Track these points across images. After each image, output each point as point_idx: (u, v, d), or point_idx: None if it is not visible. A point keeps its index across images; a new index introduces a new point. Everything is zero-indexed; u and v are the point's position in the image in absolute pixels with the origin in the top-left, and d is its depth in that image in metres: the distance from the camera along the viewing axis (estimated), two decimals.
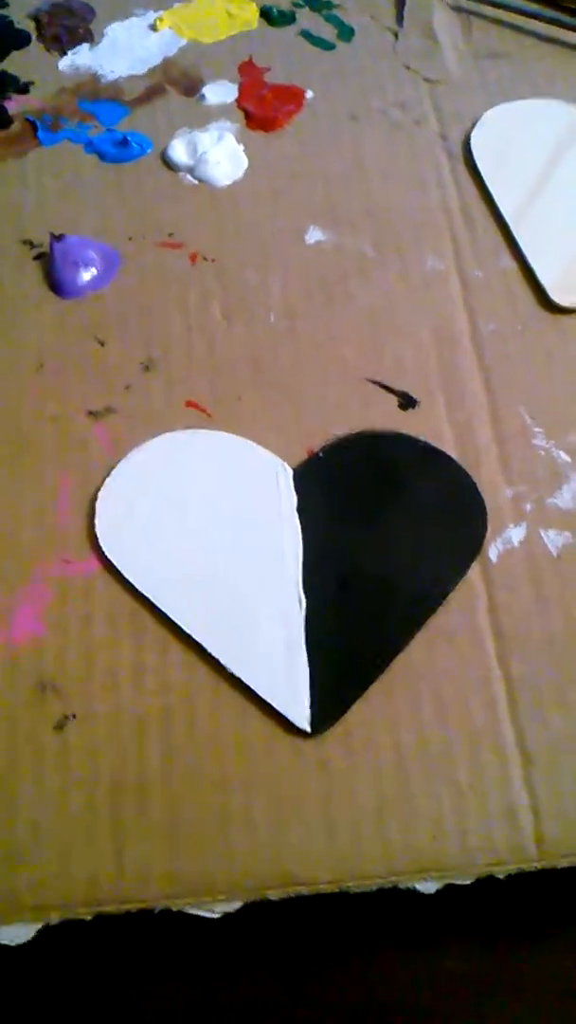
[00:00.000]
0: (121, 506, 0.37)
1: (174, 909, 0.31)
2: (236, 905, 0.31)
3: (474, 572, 0.36)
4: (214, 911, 0.31)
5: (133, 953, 0.33)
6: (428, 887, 0.32)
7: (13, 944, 0.31)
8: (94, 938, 0.31)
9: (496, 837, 0.32)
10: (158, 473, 0.38)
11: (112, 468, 0.38)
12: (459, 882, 0.31)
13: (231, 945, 0.33)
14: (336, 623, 0.35)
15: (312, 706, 0.33)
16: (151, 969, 0.33)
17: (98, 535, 0.37)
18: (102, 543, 0.36)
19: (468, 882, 0.32)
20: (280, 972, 0.34)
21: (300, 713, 0.33)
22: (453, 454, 0.39)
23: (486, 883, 0.31)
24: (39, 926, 0.31)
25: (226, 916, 0.31)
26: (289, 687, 0.34)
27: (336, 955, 0.34)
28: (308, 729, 0.33)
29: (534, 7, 0.53)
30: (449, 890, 0.31)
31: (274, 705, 0.33)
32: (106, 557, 0.36)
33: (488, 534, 0.37)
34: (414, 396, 0.40)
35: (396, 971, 0.34)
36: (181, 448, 0.39)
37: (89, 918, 0.31)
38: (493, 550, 0.37)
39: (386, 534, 0.37)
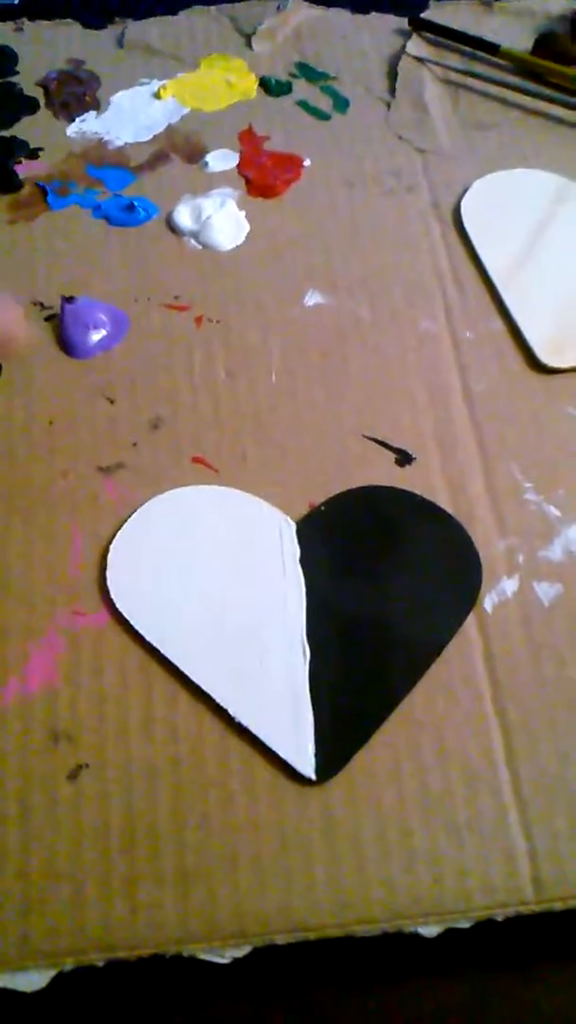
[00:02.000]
0: (131, 559, 0.39)
1: (185, 955, 0.32)
2: (245, 950, 0.32)
3: (470, 622, 0.38)
4: (223, 956, 0.32)
5: (141, 997, 0.33)
6: (430, 931, 0.33)
7: (29, 991, 0.31)
8: (106, 983, 0.32)
9: (494, 879, 0.33)
10: (166, 527, 0.40)
11: (122, 522, 0.40)
12: (458, 926, 0.33)
13: (241, 984, 0.33)
14: (339, 673, 0.36)
15: (317, 755, 0.35)
16: (161, 1013, 0.34)
17: (109, 587, 0.38)
18: (113, 595, 0.38)
19: (467, 926, 0.33)
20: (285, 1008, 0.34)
21: (305, 761, 0.34)
22: (448, 508, 0.40)
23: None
24: (53, 973, 0.32)
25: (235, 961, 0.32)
26: (294, 736, 0.35)
27: (338, 990, 0.35)
28: (313, 777, 0.34)
29: (519, 81, 0.56)
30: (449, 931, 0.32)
31: (280, 754, 0.35)
32: (116, 609, 0.38)
33: (483, 585, 0.39)
34: (410, 453, 0.42)
35: (394, 1006, 0.35)
36: (188, 503, 0.40)
37: (101, 964, 0.32)
38: (488, 601, 0.38)
39: (386, 586, 0.38)
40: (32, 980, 0.31)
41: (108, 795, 0.34)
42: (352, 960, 0.34)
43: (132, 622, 0.37)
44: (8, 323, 0.32)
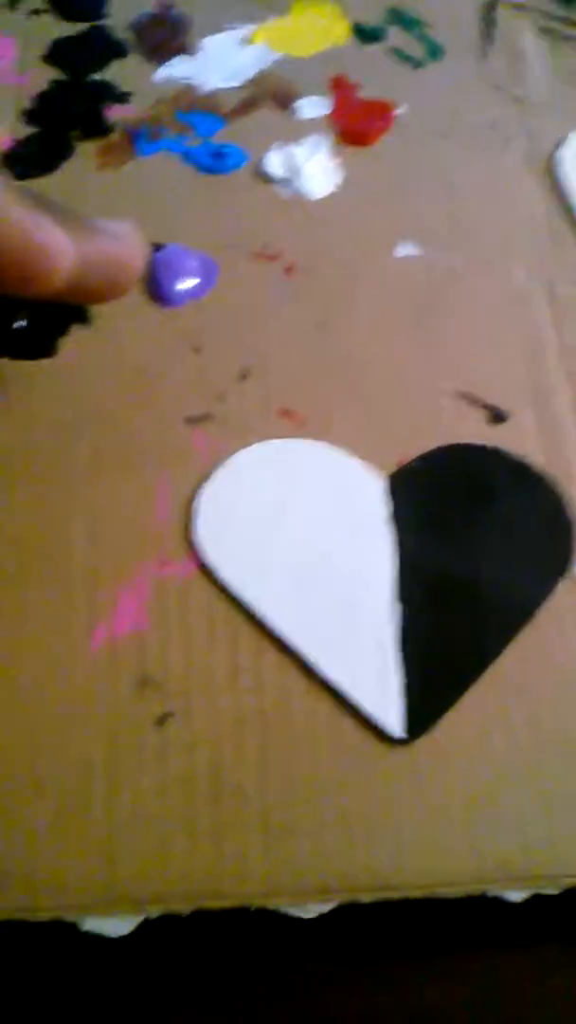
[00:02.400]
0: (218, 510, 0.38)
1: (270, 907, 0.32)
2: (330, 906, 0.32)
3: (564, 587, 0.37)
4: (307, 911, 0.32)
5: (225, 948, 0.34)
6: (515, 895, 0.32)
7: (114, 936, 0.32)
8: (191, 932, 0.32)
9: None
10: (254, 479, 0.39)
11: (209, 473, 0.39)
12: (546, 891, 0.32)
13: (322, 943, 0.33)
14: (429, 632, 0.36)
15: (405, 714, 0.34)
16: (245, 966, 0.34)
17: (196, 538, 0.38)
18: (200, 545, 0.37)
19: (556, 892, 0.32)
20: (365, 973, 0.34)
21: (393, 720, 0.34)
22: (542, 468, 0.39)
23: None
24: (139, 919, 0.32)
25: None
26: (382, 694, 0.34)
27: (415, 957, 0.34)
28: (401, 736, 0.34)
29: None
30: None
31: (367, 711, 0.34)
32: (203, 559, 0.37)
33: None
34: (504, 410, 0.41)
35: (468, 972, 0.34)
36: (277, 456, 0.40)
37: (187, 912, 0.32)
38: None
39: (477, 546, 0.38)
40: (118, 925, 0.32)
41: (194, 744, 0.34)
42: (430, 925, 0.33)
43: (219, 573, 0.37)
44: (131, 251, 0.32)
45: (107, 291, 0.32)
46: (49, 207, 0.29)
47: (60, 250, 0.28)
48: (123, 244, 0.32)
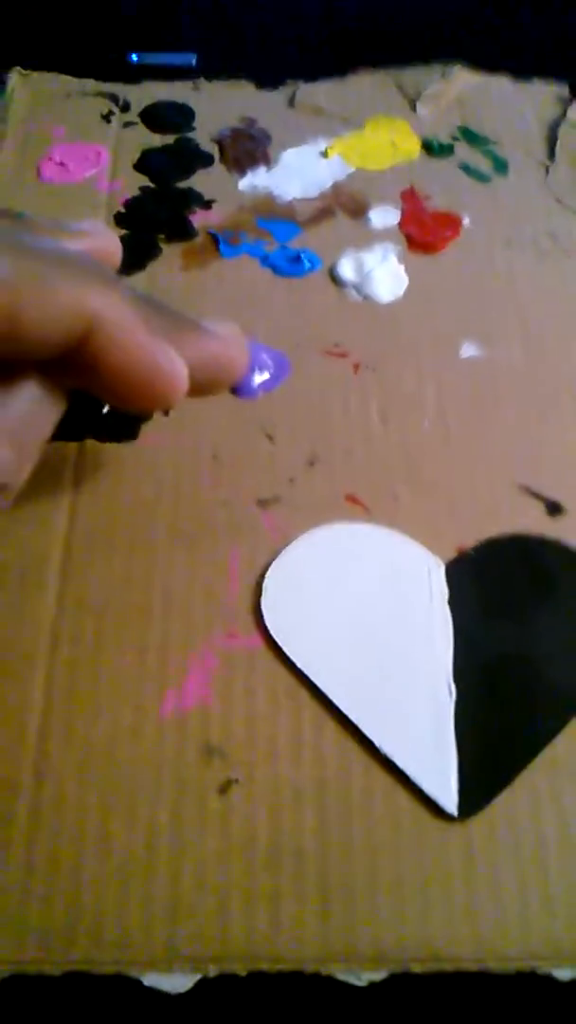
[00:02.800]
0: (284, 588, 0.40)
1: (324, 973, 0.33)
2: (382, 974, 0.33)
3: None
4: (360, 979, 0.33)
5: (279, 1011, 0.34)
6: (563, 974, 0.33)
7: (173, 993, 0.33)
8: (248, 993, 0.33)
9: None
10: (319, 560, 0.41)
11: (277, 553, 0.41)
12: None
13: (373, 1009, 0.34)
14: (485, 713, 0.37)
15: (459, 792, 0.35)
16: None
17: (263, 613, 0.40)
18: (267, 621, 0.39)
19: None
20: None
21: (448, 798, 0.35)
22: None
23: None
24: (197, 977, 0.33)
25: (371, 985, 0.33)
26: (438, 772, 0.36)
27: None
28: (455, 814, 0.35)
29: None
30: None
31: (423, 788, 0.35)
32: (269, 634, 0.39)
33: None
34: (562, 504, 0.43)
35: None
36: (341, 538, 0.42)
37: (244, 974, 0.33)
38: None
39: (533, 633, 0.39)
40: (177, 982, 0.33)
41: (256, 811, 0.35)
42: (481, 999, 0.34)
43: (283, 647, 0.39)
44: (236, 351, 0.34)
45: (211, 388, 0.34)
46: (160, 310, 0.31)
47: (180, 375, 0.30)
48: (229, 345, 0.34)
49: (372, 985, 0.33)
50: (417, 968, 0.33)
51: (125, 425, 0.45)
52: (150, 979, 0.33)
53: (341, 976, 0.33)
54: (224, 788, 0.36)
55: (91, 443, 0.45)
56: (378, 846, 0.35)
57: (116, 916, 0.34)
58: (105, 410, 0.46)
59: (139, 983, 0.33)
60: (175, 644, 0.39)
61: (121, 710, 0.38)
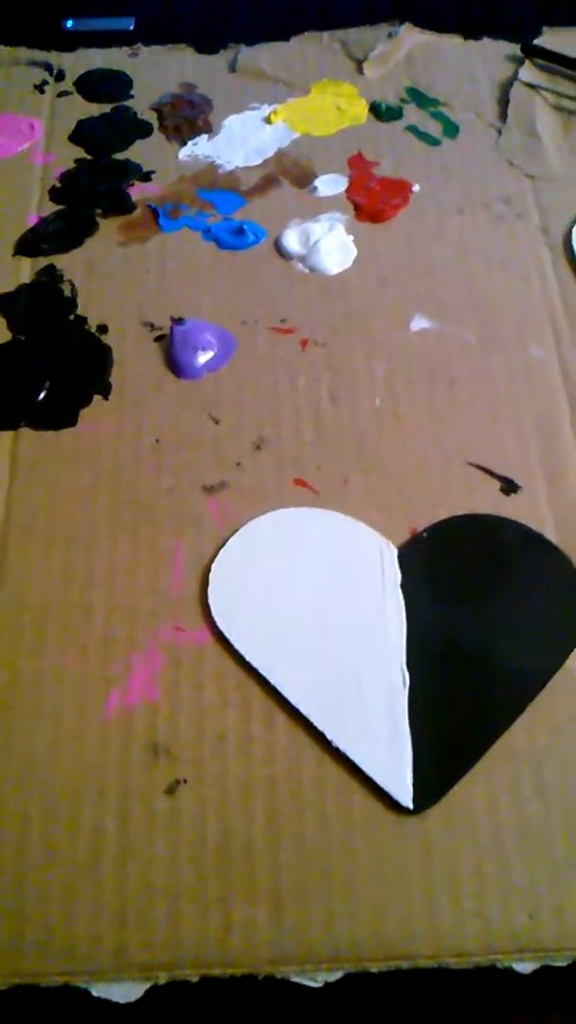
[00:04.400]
0: (232, 578, 0.39)
1: (278, 976, 0.32)
2: (338, 975, 0.32)
3: (573, 659, 0.37)
4: (316, 980, 0.32)
5: (232, 1016, 0.34)
6: (524, 967, 0.32)
7: (122, 1002, 0.32)
8: (199, 999, 0.32)
9: None
10: (268, 548, 0.40)
11: (224, 541, 0.40)
12: (555, 964, 0.32)
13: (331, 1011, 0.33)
14: (439, 702, 0.36)
15: (414, 784, 0.34)
16: None
17: (210, 605, 0.38)
18: (214, 613, 0.38)
19: (564, 964, 0.32)
20: None
21: (403, 790, 0.34)
22: (553, 539, 0.40)
23: None
24: (147, 985, 0.32)
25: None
26: (392, 764, 0.35)
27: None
28: (411, 806, 0.34)
29: None
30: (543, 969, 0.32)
31: (377, 781, 0.34)
32: (217, 626, 0.38)
33: None
34: (516, 481, 0.42)
35: None
36: (290, 524, 0.41)
37: (195, 980, 0.32)
38: None
39: (488, 616, 0.38)
40: (127, 991, 0.32)
41: (205, 812, 0.34)
42: (442, 994, 0.33)
43: (232, 641, 0.38)
44: None
45: None
46: None
47: None
48: None
49: (328, 985, 0.32)
50: (374, 967, 0.32)
51: (62, 410, 0.44)
52: (99, 989, 0.32)
53: (296, 978, 0.32)
54: (172, 789, 0.35)
55: (26, 431, 0.43)
56: (331, 843, 0.34)
57: (63, 926, 0.32)
58: (42, 396, 0.44)
59: (88, 994, 0.32)
60: (119, 641, 0.38)
61: (63, 713, 0.36)
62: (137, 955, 0.32)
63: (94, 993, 0.32)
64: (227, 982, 0.32)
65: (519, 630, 0.38)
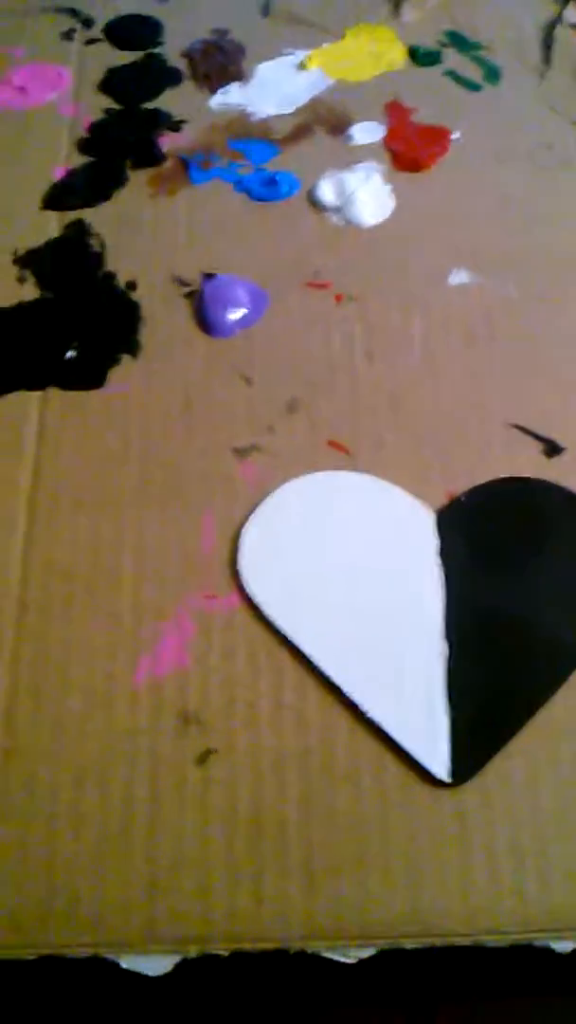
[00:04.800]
0: (264, 543, 0.38)
1: (309, 952, 0.31)
2: (371, 951, 0.31)
3: None
4: (348, 956, 0.31)
5: (263, 990, 0.33)
6: (564, 946, 0.31)
7: (152, 975, 0.31)
8: (230, 973, 0.32)
9: None
10: (301, 512, 0.39)
11: (255, 505, 0.39)
12: None
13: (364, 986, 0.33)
14: (477, 672, 0.35)
15: (451, 757, 0.33)
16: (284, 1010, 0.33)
17: (240, 571, 0.37)
18: (244, 579, 0.37)
19: None
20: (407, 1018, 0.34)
21: (439, 763, 0.33)
22: None
23: None
24: (178, 958, 0.31)
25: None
26: (429, 736, 0.34)
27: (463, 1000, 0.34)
28: (447, 780, 0.33)
29: None
30: None
31: (413, 753, 0.33)
32: (247, 593, 0.37)
33: None
34: (559, 443, 0.40)
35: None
36: (324, 488, 0.39)
37: (227, 954, 0.31)
38: None
39: (529, 584, 0.37)
40: (157, 964, 0.31)
41: (236, 782, 0.34)
42: (478, 971, 0.33)
43: (263, 608, 0.37)
44: None
45: None
46: None
47: None
48: None
49: (362, 962, 0.31)
50: (408, 944, 0.31)
51: (90, 370, 0.43)
52: (128, 961, 0.31)
53: (328, 954, 0.31)
54: (203, 759, 0.34)
55: (53, 392, 0.42)
56: (365, 816, 0.33)
57: (91, 897, 0.32)
58: (69, 355, 0.43)
59: (116, 966, 0.31)
60: (148, 607, 0.37)
61: (93, 681, 0.36)
62: (167, 928, 0.31)
63: (123, 965, 0.31)
64: (258, 956, 0.31)
65: (561, 600, 0.36)
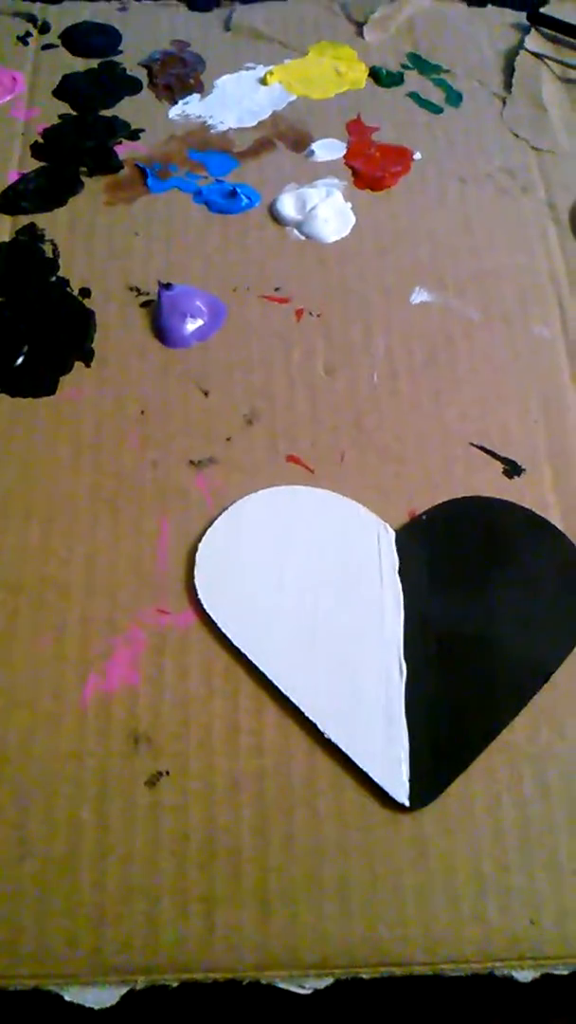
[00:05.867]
0: (220, 559, 0.37)
1: (263, 982, 0.30)
2: (327, 981, 0.30)
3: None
4: (304, 987, 0.30)
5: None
6: (524, 975, 0.30)
7: (97, 1008, 0.30)
8: (179, 1005, 0.30)
9: None
10: (259, 527, 0.38)
11: (212, 519, 0.38)
12: (556, 972, 0.30)
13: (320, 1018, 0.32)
14: (438, 693, 0.34)
15: (411, 779, 0.32)
16: None
17: (197, 587, 0.36)
18: (200, 595, 0.36)
19: (565, 972, 0.30)
20: None
21: (398, 786, 0.32)
22: (559, 525, 0.38)
23: None
24: (124, 990, 0.30)
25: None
26: (388, 758, 0.33)
27: None
28: (406, 803, 0.32)
29: None
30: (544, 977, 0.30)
31: (372, 776, 0.32)
32: (203, 609, 0.36)
33: None
34: (520, 464, 0.40)
35: None
36: (282, 503, 0.38)
37: (175, 985, 0.30)
38: None
39: (490, 604, 0.36)
40: (102, 996, 0.30)
41: (188, 806, 0.32)
42: (439, 1001, 0.32)
43: (219, 624, 0.35)
44: None
45: None
46: None
47: None
48: None
49: (317, 992, 0.30)
50: (366, 974, 0.30)
51: (41, 378, 0.41)
52: (72, 994, 0.30)
53: (282, 984, 0.30)
54: (153, 780, 0.33)
55: (2, 398, 0.41)
56: (322, 841, 0.32)
57: (34, 926, 0.30)
58: (19, 361, 0.41)
59: (60, 999, 0.30)
60: (98, 622, 0.36)
61: (38, 698, 0.34)
62: (114, 958, 0.30)
63: (67, 998, 0.30)
64: (210, 987, 0.30)
65: (522, 620, 0.36)
